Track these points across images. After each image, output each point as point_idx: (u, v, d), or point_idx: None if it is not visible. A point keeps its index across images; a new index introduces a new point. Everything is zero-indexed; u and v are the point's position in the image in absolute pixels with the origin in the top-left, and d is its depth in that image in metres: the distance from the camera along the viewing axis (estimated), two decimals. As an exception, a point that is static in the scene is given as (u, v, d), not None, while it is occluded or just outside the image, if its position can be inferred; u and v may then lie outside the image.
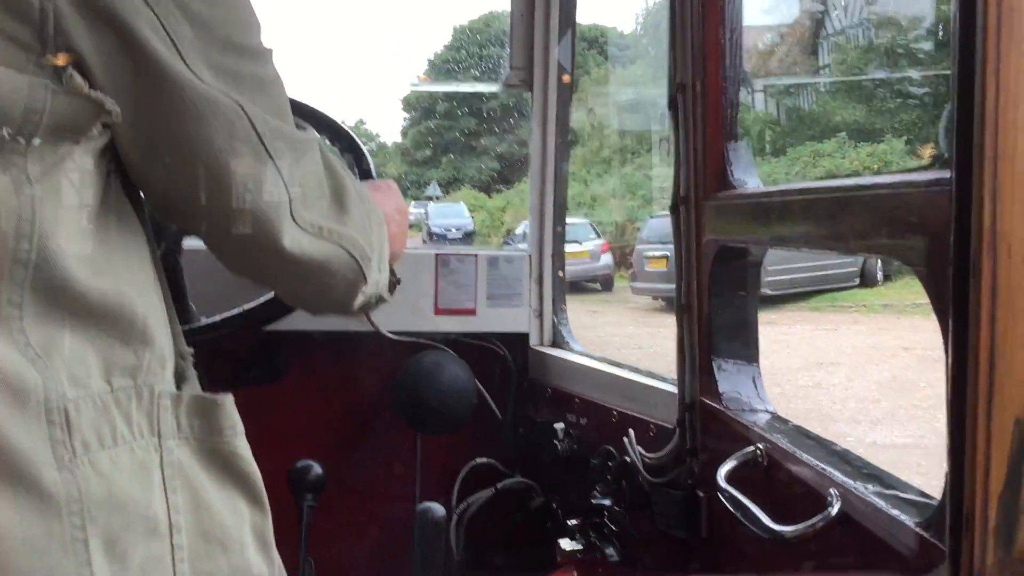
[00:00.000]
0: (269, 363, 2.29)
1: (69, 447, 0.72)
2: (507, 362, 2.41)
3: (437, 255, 2.40)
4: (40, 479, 0.70)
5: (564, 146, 2.46)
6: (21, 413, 0.69)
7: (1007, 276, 0.76)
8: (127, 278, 0.80)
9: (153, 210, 0.86)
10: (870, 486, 1.13)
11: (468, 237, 25.27)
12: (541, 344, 2.44)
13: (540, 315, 2.44)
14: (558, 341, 2.44)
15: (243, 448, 0.87)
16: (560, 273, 2.46)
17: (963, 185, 0.80)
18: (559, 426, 2.15)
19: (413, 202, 27.98)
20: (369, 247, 0.94)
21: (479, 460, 2.32)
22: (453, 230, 25.25)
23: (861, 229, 1.09)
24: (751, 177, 1.60)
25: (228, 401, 0.87)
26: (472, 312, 2.39)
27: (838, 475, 1.18)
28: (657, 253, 13.03)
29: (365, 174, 1.85)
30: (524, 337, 2.44)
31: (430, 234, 25.04)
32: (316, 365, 2.34)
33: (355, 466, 2.34)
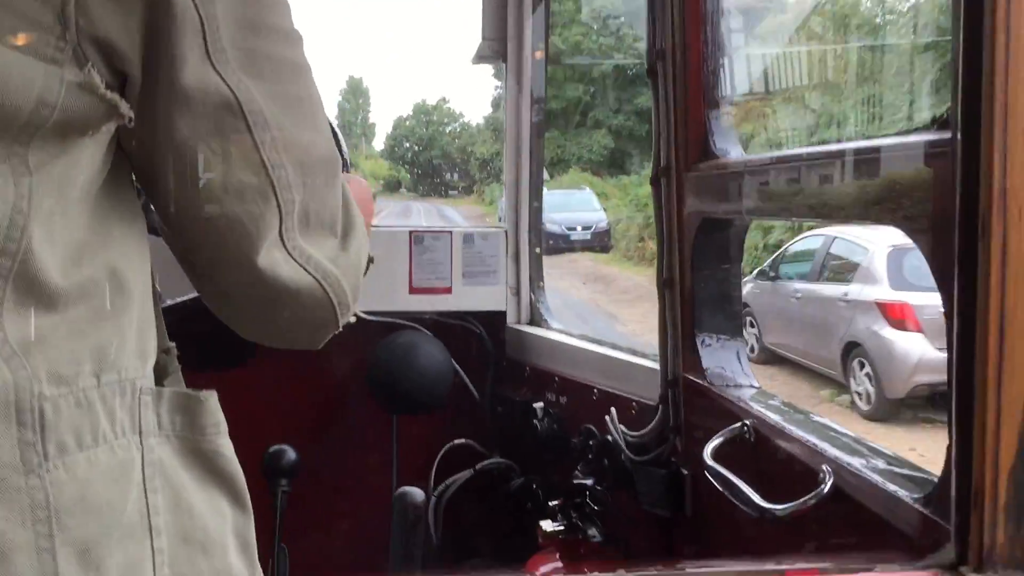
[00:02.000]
0: (236, 345, 2.22)
1: (40, 450, 0.67)
2: (484, 341, 2.36)
3: (411, 232, 2.34)
4: (4, 484, 0.65)
5: (540, 121, 2.41)
6: None
7: (1018, 238, 0.72)
8: (122, 267, 0.75)
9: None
10: (862, 461, 1.10)
11: (602, 238, 18.57)
12: (519, 322, 2.40)
13: (517, 293, 2.40)
14: (536, 319, 2.39)
15: (226, 447, 0.82)
16: (537, 250, 2.41)
17: (969, 143, 0.76)
18: (538, 405, 2.11)
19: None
20: (352, 293, 0.86)
21: (457, 441, 2.28)
22: (579, 228, 18.51)
23: (854, 196, 1.05)
24: (733, 146, 1.55)
25: (212, 398, 0.82)
26: (448, 291, 2.34)
27: (830, 450, 1.14)
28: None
29: (342, 163, 1.78)
30: (501, 315, 2.39)
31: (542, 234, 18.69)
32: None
33: (330, 449, 2.29)
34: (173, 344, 0.89)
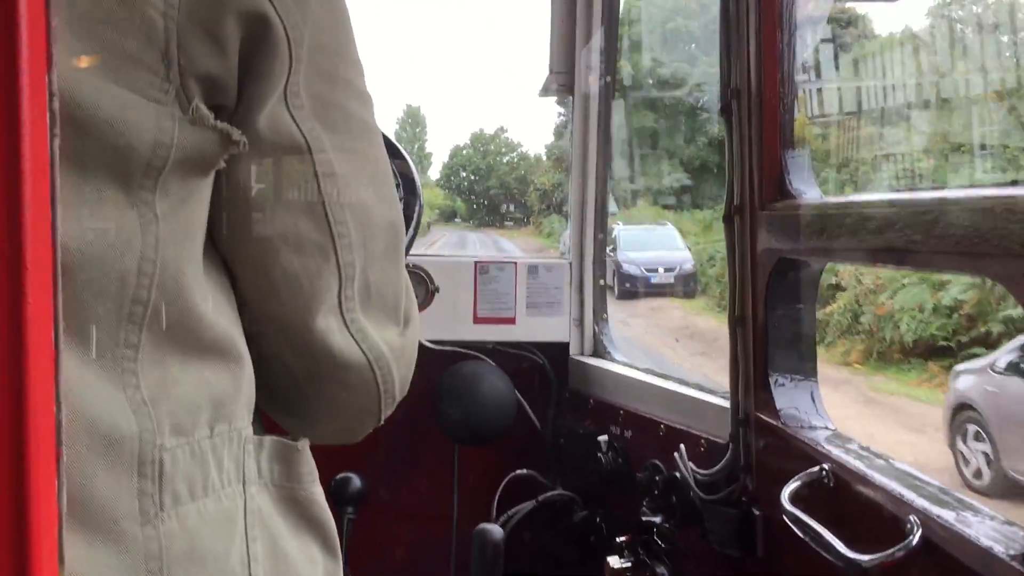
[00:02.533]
0: None
1: (157, 501, 0.68)
2: (547, 372, 2.36)
3: (476, 263, 2.36)
4: (122, 535, 0.66)
5: (606, 150, 2.42)
6: (111, 464, 0.65)
7: None
8: (229, 312, 0.76)
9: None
10: (952, 513, 1.08)
11: (687, 282, 15.86)
12: (582, 354, 2.40)
13: (581, 324, 2.40)
14: (599, 351, 2.39)
15: (319, 494, 0.83)
16: (601, 281, 2.41)
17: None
18: (602, 438, 2.10)
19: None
20: (402, 384, 0.84)
21: (519, 472, 2.28)
22: (661, 270, 15.75)
23: (943, 247, 1.04)
24: (811, 187, 1.54)
25: (306, 446, 0.83)
26: (511, 321, 2.35)
27: (917, 500, 1.13)
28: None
29: (409, 182, 1.80)
30: (564, 346, 2.39)
31: (620, 275, 15.32)
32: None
33: (393, 477, 2.30)
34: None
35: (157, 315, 0.68)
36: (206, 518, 0.72)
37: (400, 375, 0.83)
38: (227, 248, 0.76)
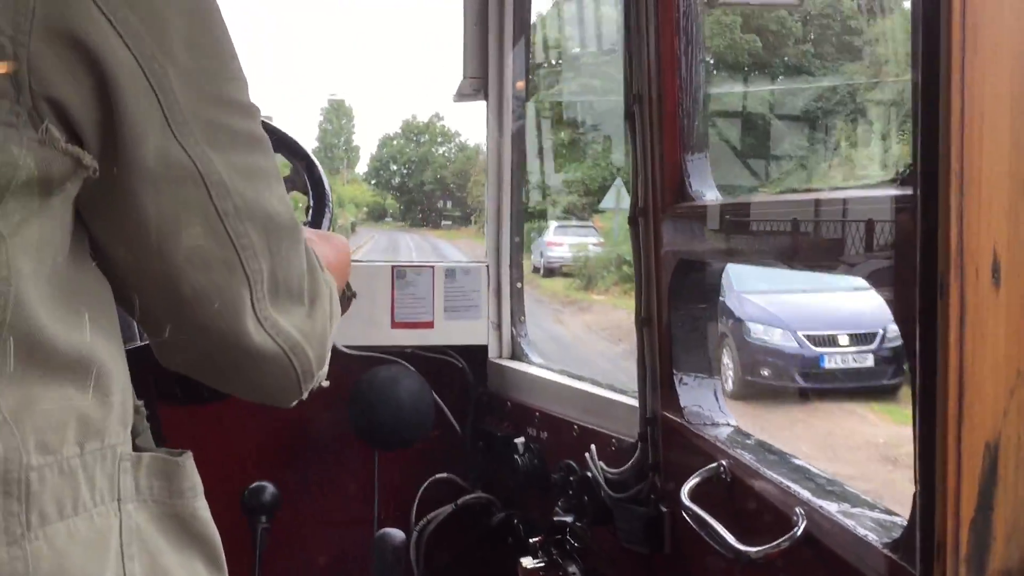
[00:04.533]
0: None
1: (23, 521, 0.67)
2: (466, 375, 2.37)
3: (393, 267, 2.36)
4: None
5: (520, 155, 2.44)
6: None
7: (975, 297, 0.75)
8: (97, 328, 0.76)
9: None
10: (835, 504, 1.12)
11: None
12: (500, 357, 2.41)
13: (499, 327, 2.41)
14: (517, 354, 2.41)
15: (203, 509, 0.83)
16: (519, 284, 2.43)
17: (928, 203, 0.78)
18: (519, 440, 2.12)
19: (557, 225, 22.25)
20: (318, 361, 0.88)
21: (439, 475, 2.28)
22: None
23: (823, 246, 1.07)
24: (709, 189, 1.58)
25: (188, 460, 0.83)
26: (429, 325, 2.35)
27: (803, 493, 1.16)
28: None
29: (317, 183, 1.79)
30: (483, 350, 2.40)
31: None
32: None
33: (310, 484, 2.29)
34: (142, 402, 0.89)
35: (13, 333, 0.67)
36: (76, 537, 0.71)
37: (315, 354, 0.87)
38: (129, 272, 0.77)
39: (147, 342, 1.73)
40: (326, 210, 1.78)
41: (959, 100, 0.75)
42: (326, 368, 0.93)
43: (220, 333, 0.79)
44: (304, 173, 1.71)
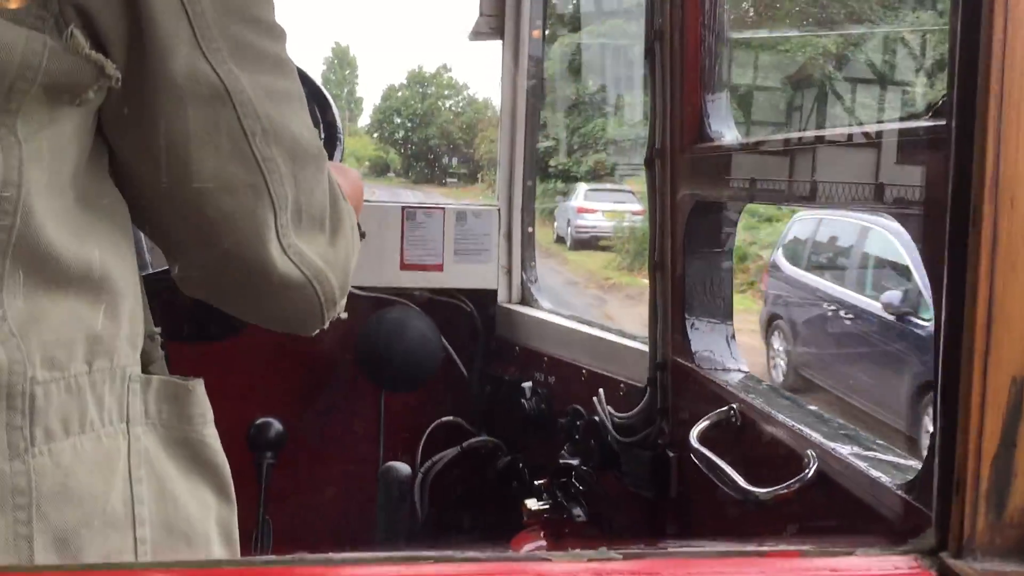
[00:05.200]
0: (223, 317, 2.21)
1: (27, 435, 0.66)
2: (474, 319, 2.36)
3: (404, 208, 2.33)
4: None
5: (536, 99, 2.40)
6: None
7: (1009, 227, 0.72)
8: (110, 247, 0.74)
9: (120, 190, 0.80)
10: (848, 447, 1.10)
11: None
12: (509, 301, 2.40)
13: (509, 272, 2.39)
14: (527, 298, 2.39)
15: (212, 437, 0.82)
16: (530, 229, 2.41)
17: (963, 130, 0.75)
18: (527, 385, 2.11)
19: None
20: (341, 289, 0.87)
21: (444, 418, 2.28)
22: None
23: (850, 181, 1.05)
24: (729, 129, 1.55)
25: (199, 387, 0.82)
26: (439, 268, 2.34)
27: (815, 435, 1.15)
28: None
29: (329, 125, 1.76)
30: (492, 294, 2.39)
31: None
32: (277, 320, 2.28)
33: (316, 423, 2.29)
34: (158, 329, 0.88)
35: (21, 242, 0.66)
36: (82, 456, 0.70)
37: (338, 283, 0.86)
38: (152, 194, 0.76)
39: (158, 271, 1.72)
40: (338, 143, 1.76)
41: (1002, 23, 0.72)
42: (345, 298, 0.91)
43: (243, 260, 0.78)
44: (314, 103, 1.68)
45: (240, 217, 0.76)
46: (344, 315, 0.96)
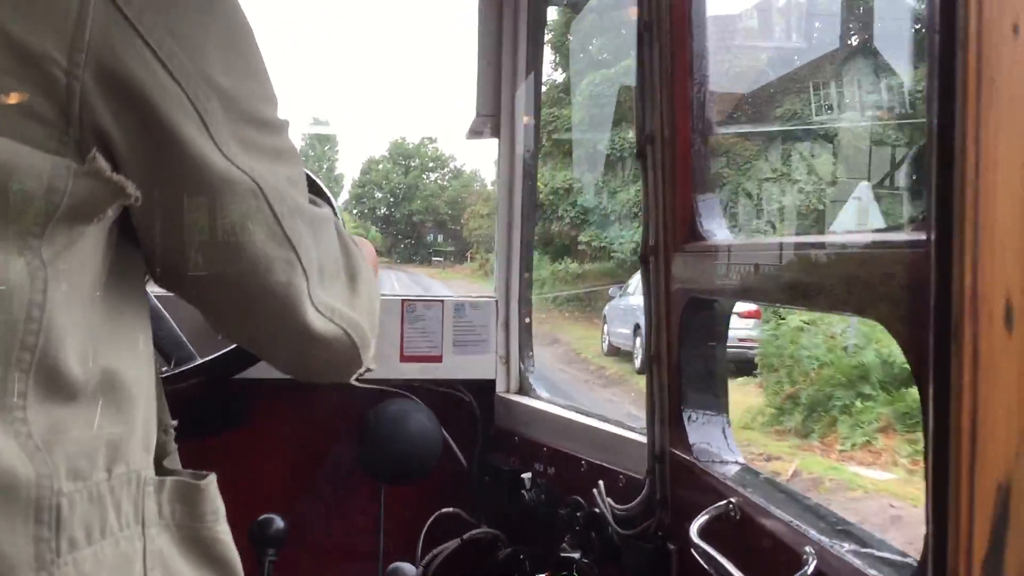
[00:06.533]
0: (226, 410, 2.24)
1: (54, 547, 0.69)
2: (473, 409, 2.38)
3: (403, 301, 2.37)
4: None
5: (531, 189, 2.46)
6: (7, 512, 0.66)
7: (989, 341, 0.76)
8: (129, 356, 0.78)
9: (159, 282, 0.85)
10: (845, 544, 1.12)
11: None
12: (508, 391, 2.42)
13: (507, 362, 2.43)
14: (525, 388, 2.42)
15: (224, 533, 0.85)
16: (527, 319, 2.44)
17: (942, 248, 0.80)
18: (527, 475, 2.12)
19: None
20: (371, 330, 0.97)
21: (445, 510, 2.28)
22: None
23: (835, 288, 1.09)
24: (720, 229, 1.60)
25: (211, 484, 0.85)
26: (438, 359, 2.37)
27: (812, 532, 1.17)
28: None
29: (319, 194, 1.81)
30: (491, 384, 2.41)
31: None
32: (277, 413, 2.30)
33: (317, 517, 2.29)
34: (175, 423, 0.92)
35: (44, 360, 0.69)
36: (103, 562, 0.72)
37: (368, 323, 0.96)
38: (194, 283, 0.82)
39: (174, 371, 1.75)
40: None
41: (974, 152, 0.77)
42: (375, 338, 1.01)
43: (285, 324, 0.86)
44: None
45: (280, 289, 0.83)
46: (374, 366, 1.05)
